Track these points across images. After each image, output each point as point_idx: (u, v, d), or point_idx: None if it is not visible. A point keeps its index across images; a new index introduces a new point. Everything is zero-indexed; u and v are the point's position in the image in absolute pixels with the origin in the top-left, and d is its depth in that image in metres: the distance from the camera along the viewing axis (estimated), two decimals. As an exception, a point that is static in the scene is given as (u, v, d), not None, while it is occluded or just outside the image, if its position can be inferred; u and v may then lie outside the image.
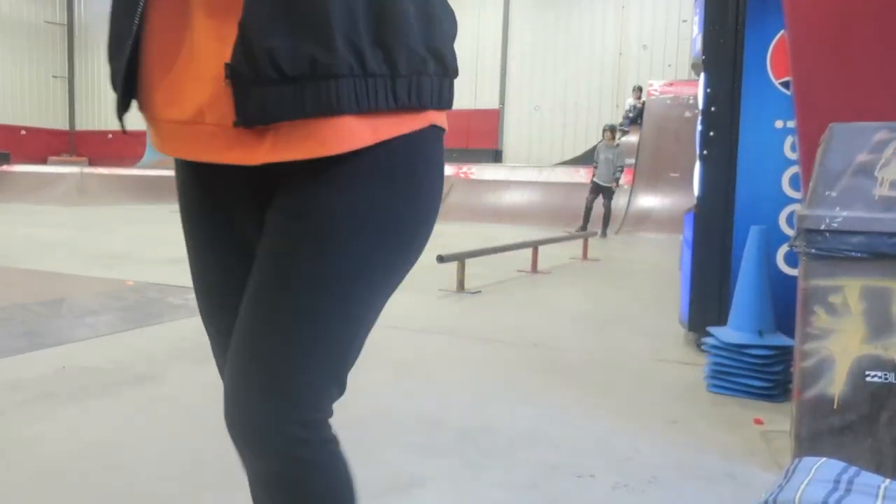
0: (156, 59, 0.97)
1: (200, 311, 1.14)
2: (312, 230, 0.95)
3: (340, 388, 1.03)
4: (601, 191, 12.03)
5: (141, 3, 0.96)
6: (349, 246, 0.96)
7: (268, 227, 0.99)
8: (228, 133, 0.93)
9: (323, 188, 0.95)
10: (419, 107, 0.98)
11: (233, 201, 1.06)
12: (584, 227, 11.69)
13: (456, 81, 1.06)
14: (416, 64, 0.95)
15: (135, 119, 1.05)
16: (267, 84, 0.89)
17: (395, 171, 0.98)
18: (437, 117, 1.02)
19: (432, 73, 0.98)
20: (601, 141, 12.51)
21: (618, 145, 12.30)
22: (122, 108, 1.01)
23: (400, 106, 0.95)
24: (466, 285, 5.88)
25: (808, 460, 1.46)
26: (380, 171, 0.97)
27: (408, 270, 1.05)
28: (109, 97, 1.12)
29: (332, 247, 0.95)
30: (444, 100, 1.02)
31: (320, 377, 0.98)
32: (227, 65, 0.88)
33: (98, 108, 27.41)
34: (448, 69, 1.02)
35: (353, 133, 0.93)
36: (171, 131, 0.99)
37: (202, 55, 0.92)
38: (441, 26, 1.00)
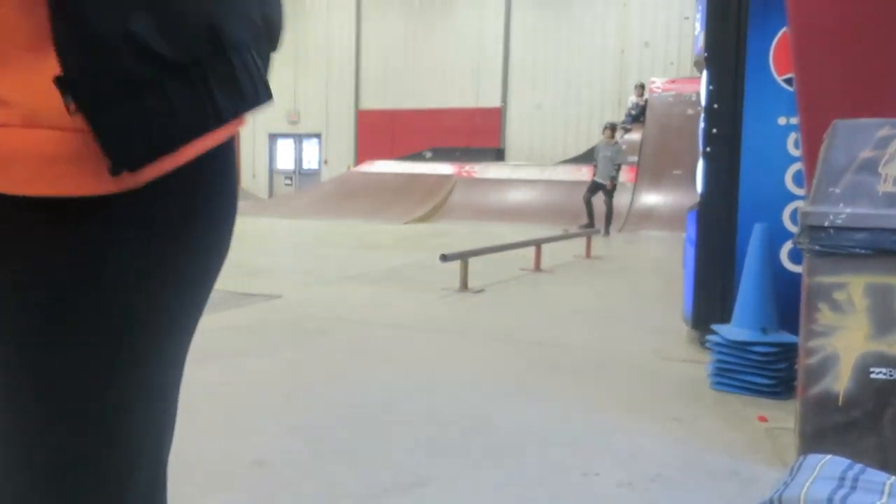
0: None
1: None
2: (38, 318, 0.62)
3: None
4: (600, 188, 12.01)
5: None
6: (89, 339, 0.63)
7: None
8: None
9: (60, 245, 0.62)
10: (233, 115, 0.66)
11: None
12: (590, 224, 11.67)
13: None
14: (243, 39, 0.64)
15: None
16: (139, 92, 0.58)
17: (173, 215, 0.66)
18: (242, 119, 0.71)
19: (262, 59, 0.67)
20: (601, 139, 12.52)
21: (616, 143, 12.27)
22: None
23: (216, 122, 0.65)
24: (469, 284, 5.88)
25: (812, 457, 1.46)
26: (150, 215, 0.65)
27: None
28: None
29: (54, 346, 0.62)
30: (262, 94, 0.69)
31: None
32: (59, 80, 0.56)
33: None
34: (276, 43, 0.72)
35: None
36: None
37: None
38: None
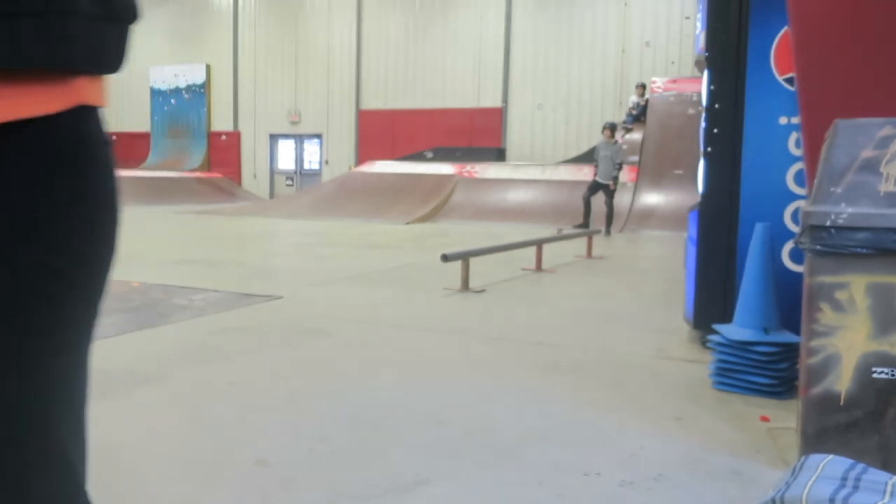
0: None
1: None
2: None
3: None
4: (601, 188, 12.00)
5: None
6: None
7: None
8: None
9: None
10: (64, 68, 0.59)
11: None
12: (585, 224, 11.67)
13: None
14: None
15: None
16: None
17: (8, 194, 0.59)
18: (90, 91, 0.64)
19: (87, 15, 0.60)
20: (601, 139, 12.51)
21: (616, 142, 12.26)
22: None
23: (25, 61, 0.56)
24: (471, 284, 5.88)
25: (815, 457, 1.46)
26: None
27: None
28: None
29: None
30: (106, 60, 0.62)
31: None
32: None
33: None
34: (114, 9, 0.62)
35: None
36: None
37: None
38: None
